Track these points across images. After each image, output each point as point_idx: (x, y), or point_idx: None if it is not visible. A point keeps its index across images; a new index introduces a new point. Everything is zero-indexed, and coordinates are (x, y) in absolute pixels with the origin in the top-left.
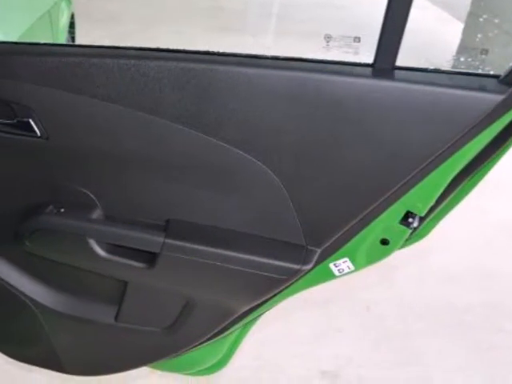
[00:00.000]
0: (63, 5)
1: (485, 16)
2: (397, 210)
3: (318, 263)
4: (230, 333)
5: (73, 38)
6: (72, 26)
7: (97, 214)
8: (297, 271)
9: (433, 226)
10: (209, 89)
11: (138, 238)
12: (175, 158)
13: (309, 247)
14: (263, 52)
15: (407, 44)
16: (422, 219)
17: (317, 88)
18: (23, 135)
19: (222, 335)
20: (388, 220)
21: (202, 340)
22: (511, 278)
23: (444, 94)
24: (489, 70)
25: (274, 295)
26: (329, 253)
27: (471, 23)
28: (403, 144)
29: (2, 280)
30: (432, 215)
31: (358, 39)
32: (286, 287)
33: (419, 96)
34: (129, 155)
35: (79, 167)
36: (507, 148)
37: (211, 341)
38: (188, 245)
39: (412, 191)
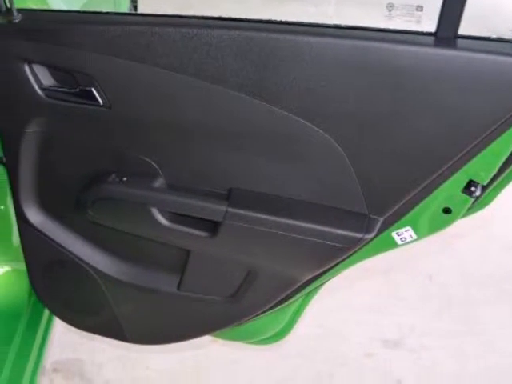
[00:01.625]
0: None
1: None
2: (459, 178)
3: (380, 232)
4: (293, 302)
5: (135, 7)
6: None
7: (159, 182)
8: (359, 240)
9: (495, 195)
10: (271, 58)
11: (200, 206)
12: (238, 127)
13: (371, 216)
14: (325, 21)
15: (469, 13)
16: (484, 188)
17: (379, 57)
18: (85, 104)
19: (284, 304)
20: (451, 189)
21: (264, 309)
22: None
23: (507, 62)
24: None
25: (337, 264)
26: (391, 221)
27: None
28: (465, 113)
29: (65, 249)
30: (494, 184)
31: (420, 8)
32: (349, 256)
33: (482, 65)
34: (191, 124)
35: (142, 136)
36: None
37: (274, 310)
38: (250, 214)
39: (474, 160)
